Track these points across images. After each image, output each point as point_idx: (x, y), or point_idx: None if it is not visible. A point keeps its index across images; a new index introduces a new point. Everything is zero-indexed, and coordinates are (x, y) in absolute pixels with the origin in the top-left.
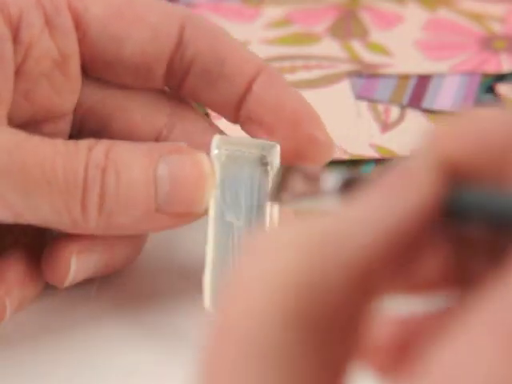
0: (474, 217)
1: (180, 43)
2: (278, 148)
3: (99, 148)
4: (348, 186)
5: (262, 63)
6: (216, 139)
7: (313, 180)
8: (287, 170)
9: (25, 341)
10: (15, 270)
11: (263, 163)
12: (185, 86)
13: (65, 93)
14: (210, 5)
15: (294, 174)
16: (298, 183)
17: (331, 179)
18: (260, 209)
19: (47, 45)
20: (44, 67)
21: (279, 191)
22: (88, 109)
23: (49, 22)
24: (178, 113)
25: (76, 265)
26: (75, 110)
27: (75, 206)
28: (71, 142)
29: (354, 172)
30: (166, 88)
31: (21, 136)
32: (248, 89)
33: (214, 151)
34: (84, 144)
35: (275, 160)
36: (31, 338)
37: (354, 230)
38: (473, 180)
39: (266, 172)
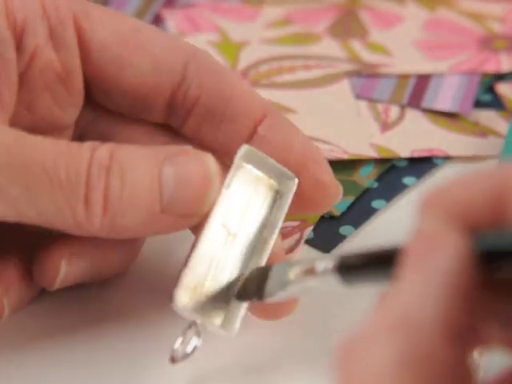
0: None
1: (183, 80)
2: (295, 183)
3: (103, 149)
4: (340, 267)
5: (267, 105)
6: (244, 148)
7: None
8: (263, 270)
9: (23, 341)
10: (14, 271)
11: (274, 190)
12: (188, 124)
13: (67, 106)
14: (210, 5)
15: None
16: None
17: (322, 262)
18: (254, 230)
19: (50, 57)
20: (47, 80)
21: (259, 288)
22: (89, 122)
23: (53, 35)
24: (178, 140)
25: (66, 268)
26: (76, 122)
27: (78, 205)
28: (74, 143)
29: (343, 254)
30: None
31: (21, 134)
32: (253, 131)
33: (238, 158)
34: (88, 144)
35: (288, 192)
36: (29, 338)
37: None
38: (480, 229)
39: (273, 199)
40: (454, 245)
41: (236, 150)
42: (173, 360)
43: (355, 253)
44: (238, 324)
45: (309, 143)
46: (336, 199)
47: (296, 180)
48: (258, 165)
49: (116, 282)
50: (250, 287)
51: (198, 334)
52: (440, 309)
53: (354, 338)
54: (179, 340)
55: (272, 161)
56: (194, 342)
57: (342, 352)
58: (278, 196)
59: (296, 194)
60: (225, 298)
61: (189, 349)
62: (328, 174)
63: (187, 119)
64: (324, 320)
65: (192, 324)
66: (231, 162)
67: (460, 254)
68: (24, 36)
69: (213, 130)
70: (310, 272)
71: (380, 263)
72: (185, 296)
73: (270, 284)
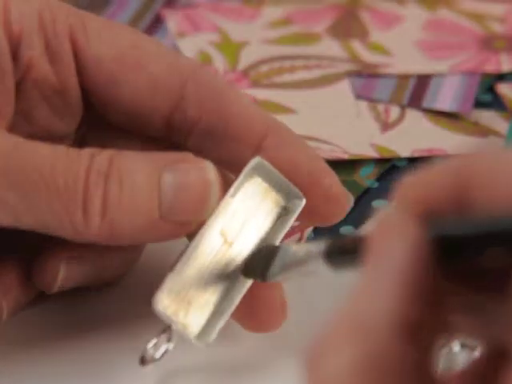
0: (465, 243)
1: (181, 100)
2: (302, 202)
3: (103, 155)
4: (331, 251)
5: (270, 121)
6: (256, 160)
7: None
8: (271, 249)
9: (21, 342)
10: (13, 273)
11: (280, 206)
12: (189, 142)
13: (65, 117)
14: (210, 5)
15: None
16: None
17: (315, 245)
18: (251, 243)
19: (46, 70)
20: (43, 91)
21: (265, 268)
22: (89, 131)
23: (48, 48)
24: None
25: (65, 271)
26: (76, 131)
27: (76, 211)
28: (73, 149)
29: (336, 237)
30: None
31: (19, 140)
32: (258, 148)
33: (248, 169)
34: (87, 151)
35: (293, 211)
36: (27, 339)
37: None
38: (439, 216)
39: (277, 215)
40: (408, 235)
41: (239, 167)
42: (142, 362)
43: (342, 238)
44: (213, 336)
45: (315, 157)
46: (347, 209)
47: (304, 200)
48: (267, 178)
49: (115, 284)
50: (257, 265)
51: (169, 340)
52: (391, 308)
53: (317, 345)
54: (152, 342)
55: (282, 177)
56: (165, 347)
57: (306, 359)
58: (283, 212)
59: (307, 209)
60: (208, 306)
61: (158, 354)
62: (338, 186)
63: (188, 138)
64: (308, 328)
65: (166, 328)
66: (237, 174)
67: (414, 244)
68: (20, 47)
69: (215, 148)
70: (309, 255)
71: (358, 250)
72: (166, 299)
73: (275, 265)
